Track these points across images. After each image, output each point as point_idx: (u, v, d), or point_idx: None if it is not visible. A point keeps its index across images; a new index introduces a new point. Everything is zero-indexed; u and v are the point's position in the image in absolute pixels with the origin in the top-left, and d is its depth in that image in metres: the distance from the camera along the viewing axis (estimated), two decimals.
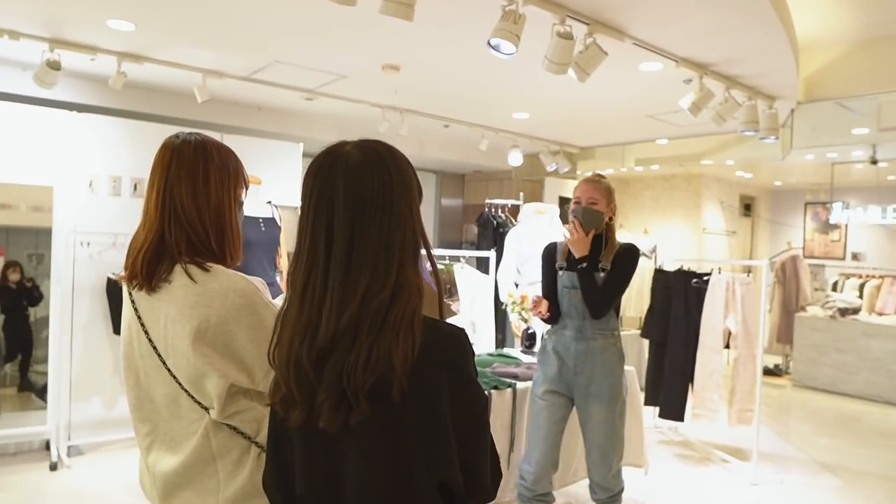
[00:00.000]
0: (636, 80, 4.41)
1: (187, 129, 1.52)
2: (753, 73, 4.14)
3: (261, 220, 3.56)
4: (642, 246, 9.32)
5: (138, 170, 4.82)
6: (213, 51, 4.18)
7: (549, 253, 2.98)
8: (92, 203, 4.76)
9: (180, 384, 1.34)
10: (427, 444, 1.02)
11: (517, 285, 4.83)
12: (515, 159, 6.34)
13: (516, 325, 4.45)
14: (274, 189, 5.59)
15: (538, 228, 4.85)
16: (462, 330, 1.08)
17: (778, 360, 8.09)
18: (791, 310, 7.82)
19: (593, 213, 2.75)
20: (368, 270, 1.00)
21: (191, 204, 1.39)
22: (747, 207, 10.40)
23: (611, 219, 2.82)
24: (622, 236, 9.28)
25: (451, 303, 2.31)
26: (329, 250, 1.02)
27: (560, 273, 2.92)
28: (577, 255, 2.74)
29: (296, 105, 5.57)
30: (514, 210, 5.80)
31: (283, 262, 3.86)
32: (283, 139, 5.80)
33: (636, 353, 6.72)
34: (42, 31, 3.93)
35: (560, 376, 2.89)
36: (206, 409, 1.34)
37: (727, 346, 4.85)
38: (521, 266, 4.82)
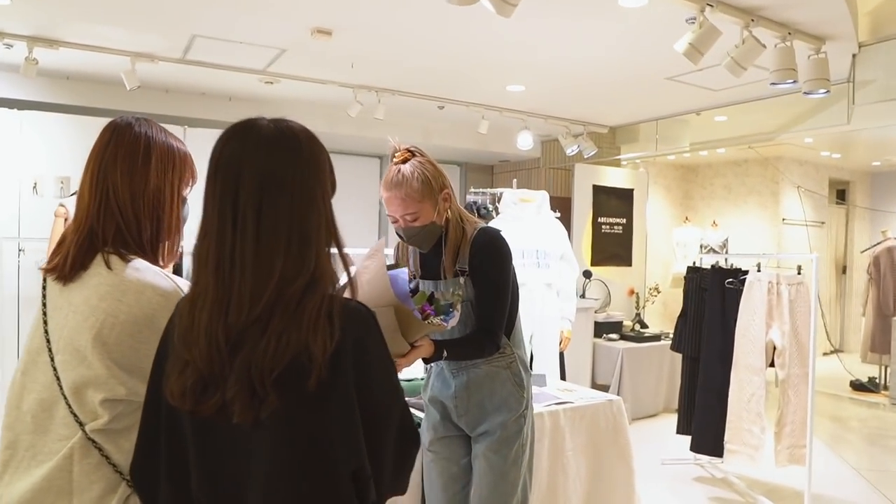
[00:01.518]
0: (627, 26, 3.47)
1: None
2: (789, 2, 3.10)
3: None
4: (711, 241, 8.13)
5: None
6: (123, 28, 3.65)
7: (398, 251, 2.19)
8: (36, 206, 4.38)
9: (62, 388, 1.19)
10: (345, 431, 1.01)
11: None
12: (525, 142, 5.47)
13: None
14: None
15: (522, 220, 3.99)
16: (371, 312, 1.06)
17: (873, 371, 6.67)
18: (888, 313, 6.43)
19: (421, 232, 1.95)
20: (283, 253, 0.99)
21: (125, 188, 1.26)
22: (840, 194, 8.88)
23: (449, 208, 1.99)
24: (687, 231, 8.27)
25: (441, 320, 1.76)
26: (235, 224, 0.99)
27: (418, 281, 2.13)
28: (423, 358, 1.90)
29: (262, 92, 5.00)
30: None
31: None
32: None
33: (667, 370, 5.67)
34: None
35: (444, 422, 2.17)
36: (82, 424, 1.17)
37: (771, 364, 3.80)
38: None
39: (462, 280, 1.99)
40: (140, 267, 1.23)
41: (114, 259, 1.23)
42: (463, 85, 4.74)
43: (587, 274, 5.96)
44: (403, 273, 1.89)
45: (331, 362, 0.97)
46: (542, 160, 6.81)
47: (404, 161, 1.91)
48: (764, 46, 3.19)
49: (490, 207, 4.32)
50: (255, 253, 0.98)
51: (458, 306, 1.91)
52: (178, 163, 1.34)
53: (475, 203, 4.34)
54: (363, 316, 1.05)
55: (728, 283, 3.95)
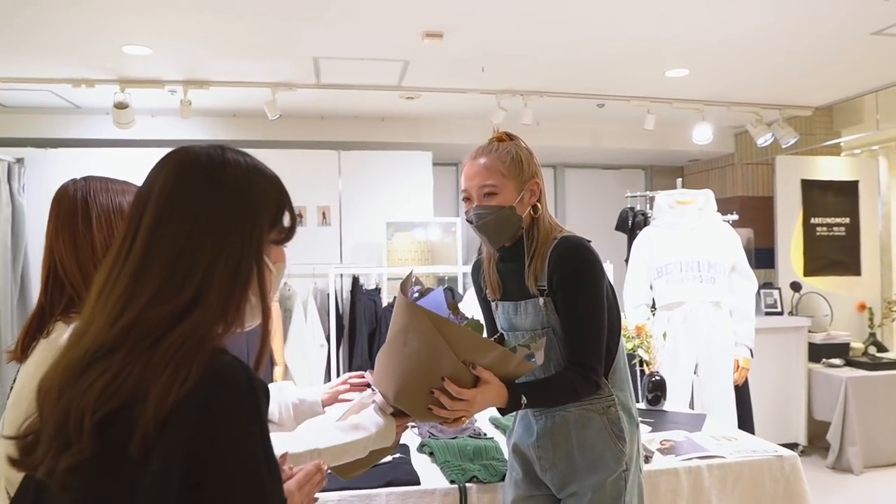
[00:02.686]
0: None
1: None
2: None
3: None
4: None
5: None
6: (252, 60, 3.76)
7: (476, 274, 1.81)
8: None
9: None
10: None
11: (653, 309, 3.37)
12: (702, 136, 4.69)
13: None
14: (404, 203, 5.01)
15: (678, 226, 3.34)
16: (245, 371, 0.81)
17: None
18: None
19: (495, 216, 1.58)
20: (162, 281, 0.83)
21: (71, 258, 1.22)
22: None
23: (534, 207, 1.59)
24: None
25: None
26: (129, 246, 0.86)
27: (494, 307, 1.75)
28: (498, 407, 1.53)
29: (410, 110, 4.89)
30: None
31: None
32: (414, 149, 5.19)
33: None
34: (108, 75, 3.94)
35: (528, 478, 1.76)
36: None
37: None
38: (654, 281, 3.35)
39: (541, 301, 1.59)
40: None
41: (57, 325, 1.19)
42: (615, 76, 4.18)
43: (795, 286, 4.95)
44: (436, 294, 1.53)
45: (167, 420, 0.74)
46: (736, 156, 5.85)
47: (500, 140, 1.62)
48: None
49: (648, 214, 3.71)
50: (134, 277, 0.84)
51: (542, 343, 1.53)
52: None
53: (631, 210, 3.76)
54: (234, 376, 0.79)
55: None
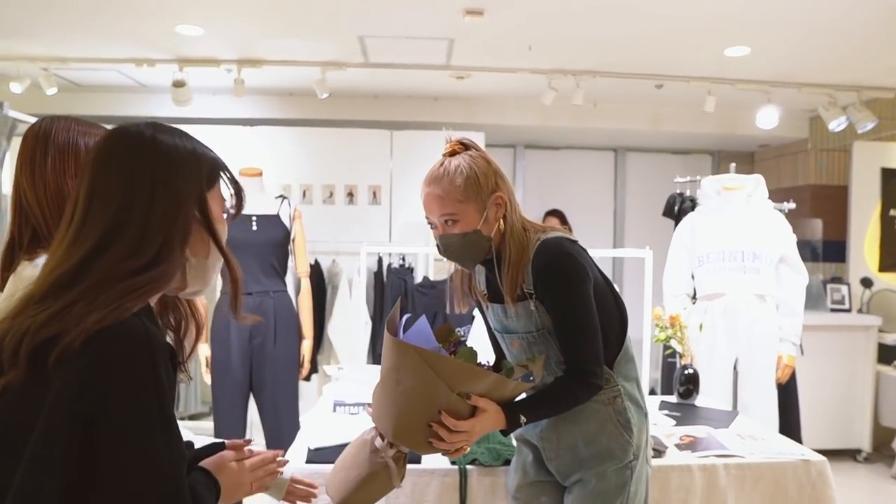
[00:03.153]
0: None
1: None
2: None
3: (254, 218, 2.98)
4: None
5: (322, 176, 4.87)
6: (300, 39, 3.81)
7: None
8: None
9: None
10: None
11: (694, 299, 3.23)
12: (767, 119, 4.41)
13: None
14: None
15: (724, 213, 3.16)
16: (147, 331, 0.87)
17: None
18: None
19: (461, 243, 1.55)
20: (100, 231, 0.91)
21: (31, 191, 1.28)
22: None
23: (504, 218, 1.56)
24: None
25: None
26: (74, 207, 0.95)
27: (485, 308, 1.72)
28: (503, 432, 1.55)
29: (461, 90, 4.85)
30: None
31: (302, 266, 3.20)
32: (468, 129, 5.14)
33: None
34: (166, 55, 4.09)
35: (537, 463, 1.75)
36: None
37: None
38: (696, 270, 3.21)
39: (532, 305, 1.56)
40: (40, 263, 1.19)
41: (22, 262, 1.25)
42: (671, 55, 3.98)
43: (867, 282, 4.63)
44: (420, 324, 1.50)
45: (77, 350, 0.82)
46: (809, 141, 5.49)
47: (453, 154, 1.56)
48: None
49: (697, 200, 3.53)
50: (77, 233, 0.93)
51: (540, 361, 1.56)
52: (81, 155, 1.29)
53: (679, 195, 3.59)
54: (136, 331, 0.86)
55: None
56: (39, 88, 4.25)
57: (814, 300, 4.47)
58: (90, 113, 4.96)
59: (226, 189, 1.08)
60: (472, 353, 1.51)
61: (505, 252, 1.55)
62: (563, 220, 5.79)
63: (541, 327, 1.57)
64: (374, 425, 1.54)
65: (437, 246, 1.60)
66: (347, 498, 1.49)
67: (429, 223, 1.60)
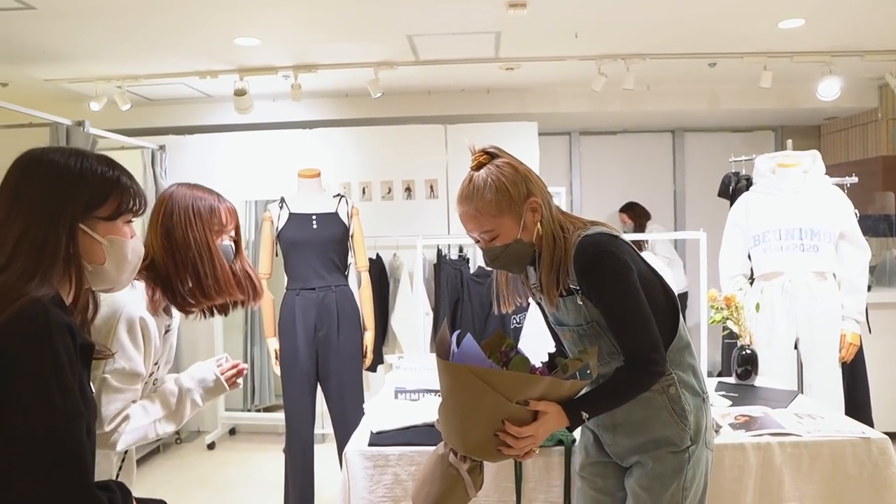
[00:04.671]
0: None
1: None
2: None
3: (314, 217, 3.11)
4: None
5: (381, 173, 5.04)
6: (351, 41, 3.94)
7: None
8: None
9: None
10: None
11: (752, 280, 3.20)
12: (829, 90, 4.26)
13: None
14: None
15: (781, 191, 3.10)
16: (46, 312, 1.03)
17: None
18: None
19: (505, 254, 1.61)
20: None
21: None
22: None
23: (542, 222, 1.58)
24: None
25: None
26: None
27: (539, 300, 1.78)
28: (568, 429, 1.58)
29: (511, 81, 4.88)
30: None
31: (361, 261, 3.33)
32: (521, 119, 5.19)
33: None
34: (227, 66, 4.32)
35: (598, 444, 1.81)
36: None
37: None
38: (752, 249, 3.17)
39: (579, 300, 1.60)
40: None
41: None
42: (722, 31, 3.91)
43: None
44: (468, 342, 1.55)
45: None
46: (880, 110, 5.26)
47: (479, 167, 1.60)
48: None
49: (747, 180, 3.47)
50: None
51: (594, 353, 1.58)
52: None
53: (735, 175, 3.53)
54: (34, 314, 1.03)
55: None
56: (115, 105, 4.56)
57: (887, 276, 4.31)
58: (162, 124, 5.27)
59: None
60: (524, 361, 1.55)
61: (550, 250, 1.58)
62: (637, 212, 5.78)
63: (590, 320, 1.60)
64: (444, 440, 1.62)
65: (483, 258, 1.66)
66: None
67: (470, 237, 1.65)
